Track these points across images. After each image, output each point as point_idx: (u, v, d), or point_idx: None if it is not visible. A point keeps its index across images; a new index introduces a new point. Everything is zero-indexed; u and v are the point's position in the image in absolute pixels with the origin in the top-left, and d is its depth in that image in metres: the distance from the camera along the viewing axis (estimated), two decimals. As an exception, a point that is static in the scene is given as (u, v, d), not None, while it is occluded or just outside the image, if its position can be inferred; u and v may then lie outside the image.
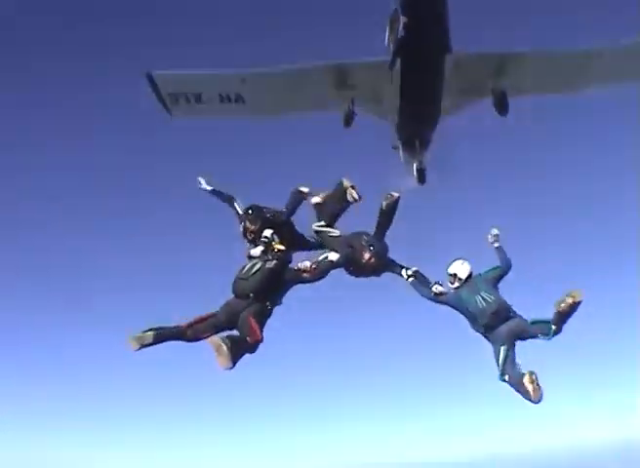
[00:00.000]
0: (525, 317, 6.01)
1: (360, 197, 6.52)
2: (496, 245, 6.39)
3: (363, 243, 6.37)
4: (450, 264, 6.37)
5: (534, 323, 5.92)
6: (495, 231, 6.42)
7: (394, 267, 6.65)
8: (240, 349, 5.34)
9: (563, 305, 5.60)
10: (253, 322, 5.39)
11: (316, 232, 6.76)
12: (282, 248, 5.91)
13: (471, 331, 6.21)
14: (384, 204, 6.51)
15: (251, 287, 5.53)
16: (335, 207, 6.71)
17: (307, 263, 5.92)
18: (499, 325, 5.92)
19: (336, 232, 6.71)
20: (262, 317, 5.58)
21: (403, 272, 6.58)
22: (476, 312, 5.99)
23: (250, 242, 6.36)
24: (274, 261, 5.66)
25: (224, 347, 5.15)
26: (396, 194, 6.54)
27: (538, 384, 5.57)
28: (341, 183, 6.57)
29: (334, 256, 6.22)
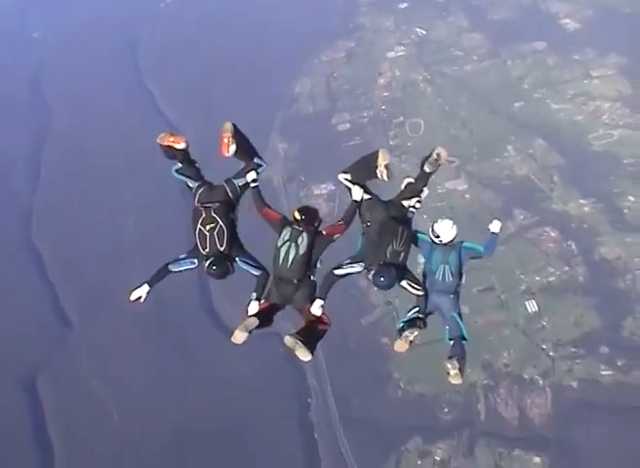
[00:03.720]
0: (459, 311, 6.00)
1: (390, 178, 5.69)
2: (496, 230, 6.00)
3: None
4: (439, 221, 5.96)
5: (454, 317, 5.93)
6: (498, 224, 6.05)
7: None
8: (315, 338, 5.35)
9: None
10: (316, 317, 5.42)
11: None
12: (301, 216, 5.56)
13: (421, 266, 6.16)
14: (427, 168, 5.78)
15: (294, 275, 5.44)
16: (360, 175, 5.84)
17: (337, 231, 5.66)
18: (434, 293, 5.95)
19: (356, 195, 5.82)
20: (314, 292, 5.55)
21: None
22: (430, 275, 5.97)
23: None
24: (305, 241, 5.42)
25: (299, 344, 5.11)
26: (443, 159, 5.71)
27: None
28: (377, 155, 5.70)
29: (357, 194, 5.75)
